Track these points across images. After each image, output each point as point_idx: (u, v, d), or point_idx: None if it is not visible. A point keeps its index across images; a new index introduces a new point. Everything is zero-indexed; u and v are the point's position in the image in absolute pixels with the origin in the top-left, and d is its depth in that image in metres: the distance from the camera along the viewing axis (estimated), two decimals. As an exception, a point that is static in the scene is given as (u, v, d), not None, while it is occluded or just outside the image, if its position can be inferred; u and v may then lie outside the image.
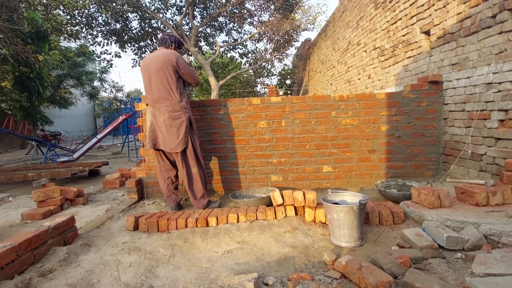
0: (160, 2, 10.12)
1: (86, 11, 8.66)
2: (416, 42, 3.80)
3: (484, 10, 2.66)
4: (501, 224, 1.79)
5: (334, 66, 7.78)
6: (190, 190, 2.81)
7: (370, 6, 5.19)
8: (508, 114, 2.48)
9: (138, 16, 9.94)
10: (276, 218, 2.33)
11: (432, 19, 3.42)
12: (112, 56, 10.82)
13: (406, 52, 4.07)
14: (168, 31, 9.52)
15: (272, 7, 9.87)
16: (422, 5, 3.60)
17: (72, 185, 4.02)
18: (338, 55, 7.35)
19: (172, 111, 2.69)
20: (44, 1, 6.60)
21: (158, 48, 2.88)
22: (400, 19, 4.16)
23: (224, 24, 11.24)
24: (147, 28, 10.31)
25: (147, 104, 2.83)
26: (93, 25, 9.42)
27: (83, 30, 9.30)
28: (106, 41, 10.09)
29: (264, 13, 10.33)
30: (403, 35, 4.10)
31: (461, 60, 2.99)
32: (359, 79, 6.01)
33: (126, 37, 10.27)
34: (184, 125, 2.70)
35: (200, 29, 10.64)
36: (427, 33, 3.60)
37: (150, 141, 2.79)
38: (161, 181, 2.93)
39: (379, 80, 5.02)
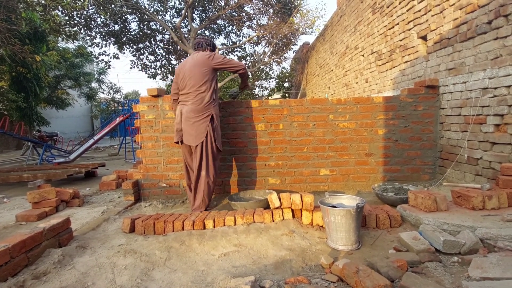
0: (159, 4, 10.15)
1: (85, 12, 8.66)
2: (413, 47, 3.83)
3: (480, 16, 2.69)
4: (497, 228, 1.80)
5: (332, 70, 7.83)
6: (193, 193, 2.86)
7: (368, 11, 5.24)
8: (504, 119, 2.50)
9: (137, 18, 9.96)
10: (273, 221, 2.32)
11: (429, 25, 3.46)
12: (111, 58, 10.80)
13: (403, 56, 4.11)
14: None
15: (271, 10, 9.93)
16: (419, 11, 3.64)
17: (68, 187, 3.98)
18: (336, 59, 7.40)
19: (199, 104, 2.75)
20: (43, 1, 6.59)
21: (194, 51, 2.95)
22: (397, 24, 4.20)
23: (223, 27, 11.29)
24: (145, 30, 10.31)
25: (175, 101, 2.92)
26: (92, 26, 9.41)
27: (82, 31, 9.28)
28: (104, 42, 10.08)
29: (263, 17, 10.39)
30: (400, 40, 4.14)
31: (458, 65, 3.02)
32: (356, 83, 6.05)
33: (124, 39, 10.27)
34: (205, 121, 2.75)
35: (199, 31, 10.66)
36: (424, 38, 3.64)
37: (177, 135, 2.87)
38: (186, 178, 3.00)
39: (376, 84, 5.06)
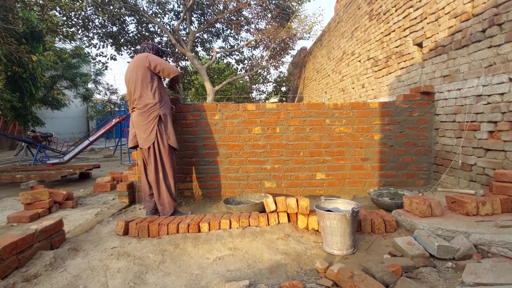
0: (158, 7, 10.18)
1: (83, 13, 8.64)
2: (409, 53, 3.88)
3: (474, 24, 2.74)
4: (490, 234, 1.81)
5: (329, 75, 7.89)
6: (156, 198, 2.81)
7: (365, 17, 5.31)
8: (497, 126, 2.54)
9: (135, 19, 9.96)
10: (269, 224, 2.31)
11: (425, 32, 3.52)
12: (108, 59, 10.78)
13: (399, 63, 4.16)
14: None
15: (269, 15, 10.01)
16: (415, 18, 3.69)
17: (62, 188, 3.94)
18: (333, 64, 7.46)
19: (143, 107, 2.74)
20: (41, 1, 6.56)
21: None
22: (394, 31, 4.26)
23: (221, 31, 11.35)
24: (144, 32, 10.32)
25: (132, 110, 2.86)
26: (90, 27, 9.39)
27: (79, 31, 9.26)
28: (102, 43, 10.06)
29: (261, 21, 10.48)
30: (396, 47, 4.20)
31: (452, 72, 3.06)
32: (353, 88, 6.10)
33: (122, 40, 10.26)
34: (153, 123, 2.73)
35: (197, 34, 10.70)
36: (420, 45, 3.69)
37: (131, 141, 2.89)
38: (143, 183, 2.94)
39: (372, 89, 5.11)
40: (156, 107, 2.75)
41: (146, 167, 2.87)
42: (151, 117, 2.73)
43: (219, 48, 12.05)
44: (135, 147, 2.92)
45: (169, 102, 2.96)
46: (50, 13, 6.84)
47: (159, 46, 2.98)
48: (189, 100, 16.56)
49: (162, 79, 2.93)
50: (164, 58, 3.00)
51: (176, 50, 10.31)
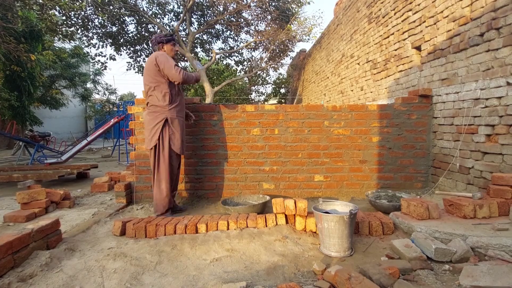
0: (157, 8, 10.19)
1: (83, 12, 8.63)
2: (408, 56, 3.90)
3: (472, 28, 2.76)
4: (487, 237, 1.81)
5: (328, 77, 7.91)
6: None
7: (364, 20, 5.33)
8: (495, 129, 2.55)
9: (135, 20, 9.96)
10: (266, 226, 2.31)
11: (423, 35, 3.53)
12: (107, 59, 10.76)
13: (397, 66, 4.18)
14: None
15: (269, 17, 10.04)
16: (414, 21, 3.71)
17: (59, 188, 3.92)
18: (332, 66, 7.49)
19: (151, 107, 2.75)
20: (40, 1, 6.55)
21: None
22: (393, 34, 4.28)
23: (220, 32, 11.36)
24: (143, 32, 10.32)
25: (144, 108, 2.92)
26: (89, 27, 9.38)
27: (79, 31, 9.24)
28: (101, 43, 10.04)
29: (260, 23, 10.50)
30: (395, 50, 4.22)
31: (450, 76, 3.08)
32: (352, 90, 6.12)
33: (122, 40, 10.26)
34: (158, 125, 2.72)
35: (197, 35, 10.71)
36: (418, 48, 3.71)
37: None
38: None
39: (371, 92, 5.12)
40: (163, 110, 2.73)
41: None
42: (157, 120, 2.72)
43: (219, 49, 12.06)
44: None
45: (183, 106, 2.89)
46: (50, 12, 6.82)
47: (160, 35, 2.85)
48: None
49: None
50: (173, 43, 2.90)
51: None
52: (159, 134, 2.72)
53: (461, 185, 2.95)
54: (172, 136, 2.77)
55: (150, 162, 2.84)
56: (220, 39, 11.53)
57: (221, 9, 9.65)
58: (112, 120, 7.67)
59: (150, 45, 2.98)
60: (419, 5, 3.59)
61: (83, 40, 9.92)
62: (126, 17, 9.75)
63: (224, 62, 13.02)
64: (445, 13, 3.14)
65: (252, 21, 10.29)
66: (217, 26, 10.92)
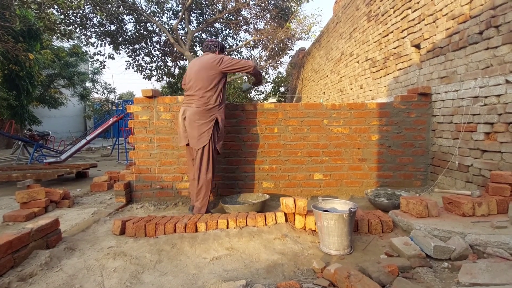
0: (156, 6, 10.15)
1: (81, 11, 8.59)
2: (407, 55, 3.90)
3: (471, 26, 2.76)
4: (486, 235, 1.82)
5: (327, 76, 7.90)
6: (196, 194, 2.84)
7: (363, 18, 5.33)
8: (494, 127, 2.55)
9: (133, 18, 9.92)
10: (266, 224, 2.31)
11: (422, 33, 3.53)
12: (106, 58, 10.72)
13: (397, 64, 4.18)
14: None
15: (268, 15, 10.01)
16: (413, 20, 3.71)
17: (59, 187, 3.91)
18: (331, 64, 7.48)
19: (202, 105, 2.73)
20: (38, -1, 6.53)
21: (203, 54, 2.94)
22: (392, 32, 4.27)
23: (220, 30, 11.33)
24: (142, 31, 10.28)
25: (187, 104, 2.85)
26: (87, 25, 9.34)
27: (77, 30, 9.21)
28: (100, 42, 10.00)
29: (259, 21, 10.47)
30: (394, 48, 4.21)
31: (449, 74, 3.08)
32: (351, 89, 6.12)
33: (120, 39, 10.21)
34: (209, 125, 2.72)
35: (196, 34, 10.68)
36: (417, 46, 3.71)
37: (183, 138, 2.84)
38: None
39: (370, 90, 5.12)
40: (215, 110, 2.76)
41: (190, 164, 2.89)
42: (208, 119, 2.72)
43: (218, 48, 12.03)
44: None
45: (225, 107, 2.94)
46: (48, 11, 6.79)
47: (222, 42, 2.95)
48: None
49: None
50: (225, 53, 3.00)
51: (175, 49, 10.29)
52: (210, 135, 2.72)
53: (460, 183, 2.96)
54: (219, 135, 2.82)
55: (195, 161, 2.75)
56: (219, 37, 11.50)
57: (220, 7, 9.61)
58: (111, 119, 7.65)
59: (205, 44, 2.95)
60: (418, 3, 3.59)
61: (82, 39, 9.87)
62: (125, 16, 9.72)
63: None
64: (444, 11, 3.14)
65: (251, 20, 10.27)
66: (216, 25, 10.89)
